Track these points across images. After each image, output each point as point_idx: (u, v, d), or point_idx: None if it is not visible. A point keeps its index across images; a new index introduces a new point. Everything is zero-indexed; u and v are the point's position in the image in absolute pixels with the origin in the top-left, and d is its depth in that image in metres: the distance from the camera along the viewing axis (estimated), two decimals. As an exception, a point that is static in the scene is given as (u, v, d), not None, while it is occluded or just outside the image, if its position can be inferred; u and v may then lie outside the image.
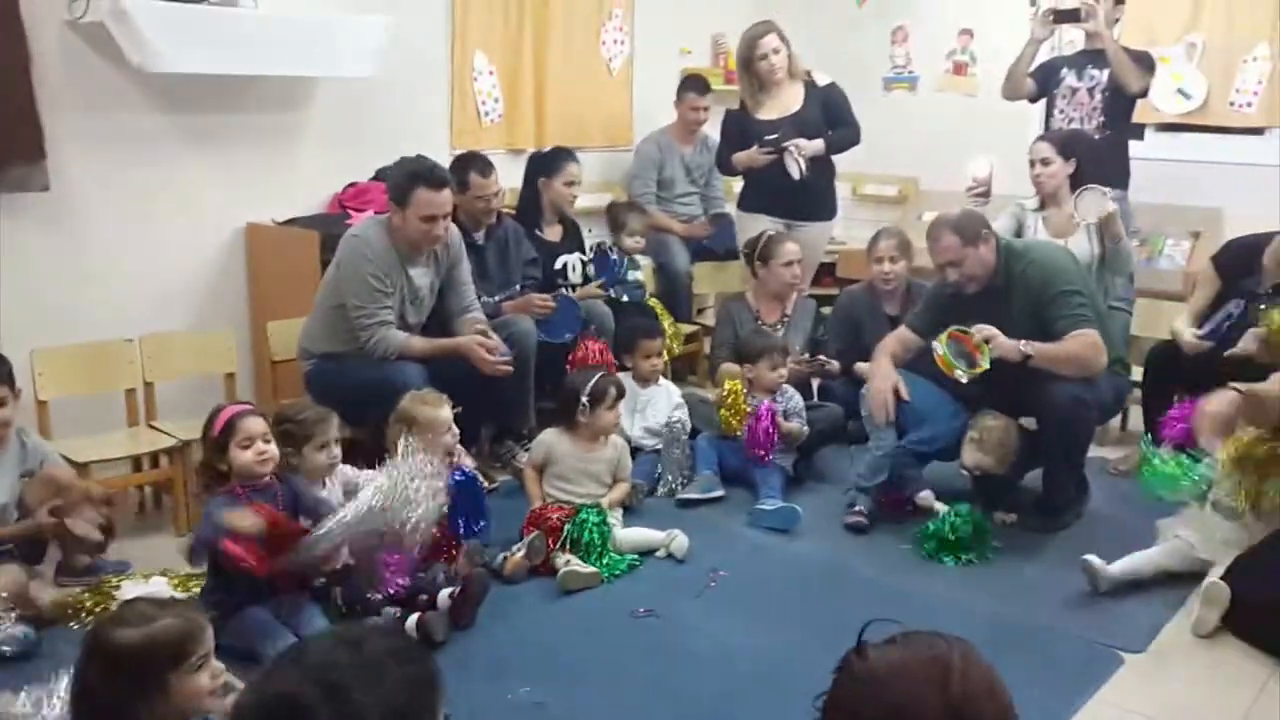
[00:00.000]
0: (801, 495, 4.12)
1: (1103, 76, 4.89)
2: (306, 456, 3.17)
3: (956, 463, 3.90)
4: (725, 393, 4.20)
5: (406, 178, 3.86)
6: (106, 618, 2.19)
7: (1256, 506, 3.26)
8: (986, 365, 3.62)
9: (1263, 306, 3.87)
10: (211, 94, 4.34)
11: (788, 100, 5.01)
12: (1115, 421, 4.70)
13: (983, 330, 3.66)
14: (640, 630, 3.14)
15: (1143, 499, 3.59)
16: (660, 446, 4.27)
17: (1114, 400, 4.03)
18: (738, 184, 5.34)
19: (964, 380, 3.65)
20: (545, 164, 4.97)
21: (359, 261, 3.86)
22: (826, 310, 4.94)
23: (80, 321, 4.00)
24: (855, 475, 3.96)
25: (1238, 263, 4.25)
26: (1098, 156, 4.70)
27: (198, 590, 3.06)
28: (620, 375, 4.12)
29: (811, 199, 5.06)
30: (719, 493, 4.11)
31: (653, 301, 5.30)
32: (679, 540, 3.60)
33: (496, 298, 4.49)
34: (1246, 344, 3.87)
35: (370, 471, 3.36)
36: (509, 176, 4.91)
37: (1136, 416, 4.57)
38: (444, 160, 4.35)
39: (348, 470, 3.33)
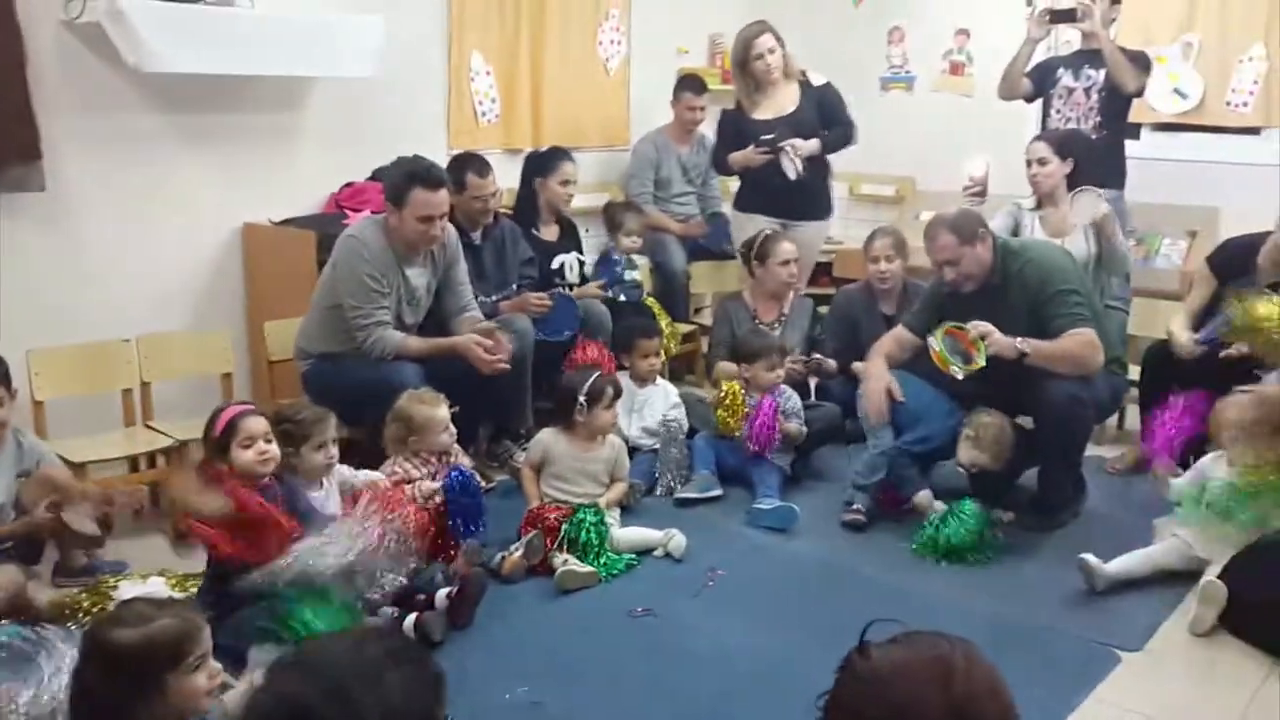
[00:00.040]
0: (799, 494, 4.12)
1: (1099, 76, 4.90)
2: (304, 456, 3.16)
3: (952, 461, 3.90)
4: (723, 393, 4.20)
5: (403, 178, 3.85)
6: (104, 618, 2.19)
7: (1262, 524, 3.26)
8: (982, 362, 3.62)
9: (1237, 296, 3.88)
10: (208, 94, 4.33)
11: (783, 100, 5.01)
12: (1112, 420, 4.70)
13: (979, 327, 3.66)
14: (638, 630, 3.14)
15: (1141, 499, 3.60)
16: (658, 446, 4.28)
17: (1111, 399, 4.03)
18: (735, 183, 5.34)
19: (959, 376, 3.65)
20: (541, 164, 4.97)
21: (355, 261, 3.86)
22: (824, 310, 4.94)
23: (77, 321, 3.99)
24: (853, 474, 3.96)
25: (1233, 262, 4.25)
26: (1094, 156, 4.71)
27: (195, 590, 3.06)
28: (618, 375, 4.12)
29: (807, 199, 5.06)
30: (717, 492, 4.11)
31: (650, 301, 5.30)
32: (677, 540, 3.60)
33: (493, 298, 4.49)
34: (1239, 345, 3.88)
35: (368, 471, 3.38)
36: (506, 176, 4.91)
37: (1133, 415, 4.58)
38: (441, 160, 4.34)
39: (345, 470, 3.32)
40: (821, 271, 5.78)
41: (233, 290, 4.57)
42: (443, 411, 3.51)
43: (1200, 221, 5.53)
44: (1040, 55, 5.20)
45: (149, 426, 3.97)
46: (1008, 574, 3.53)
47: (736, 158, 5.04)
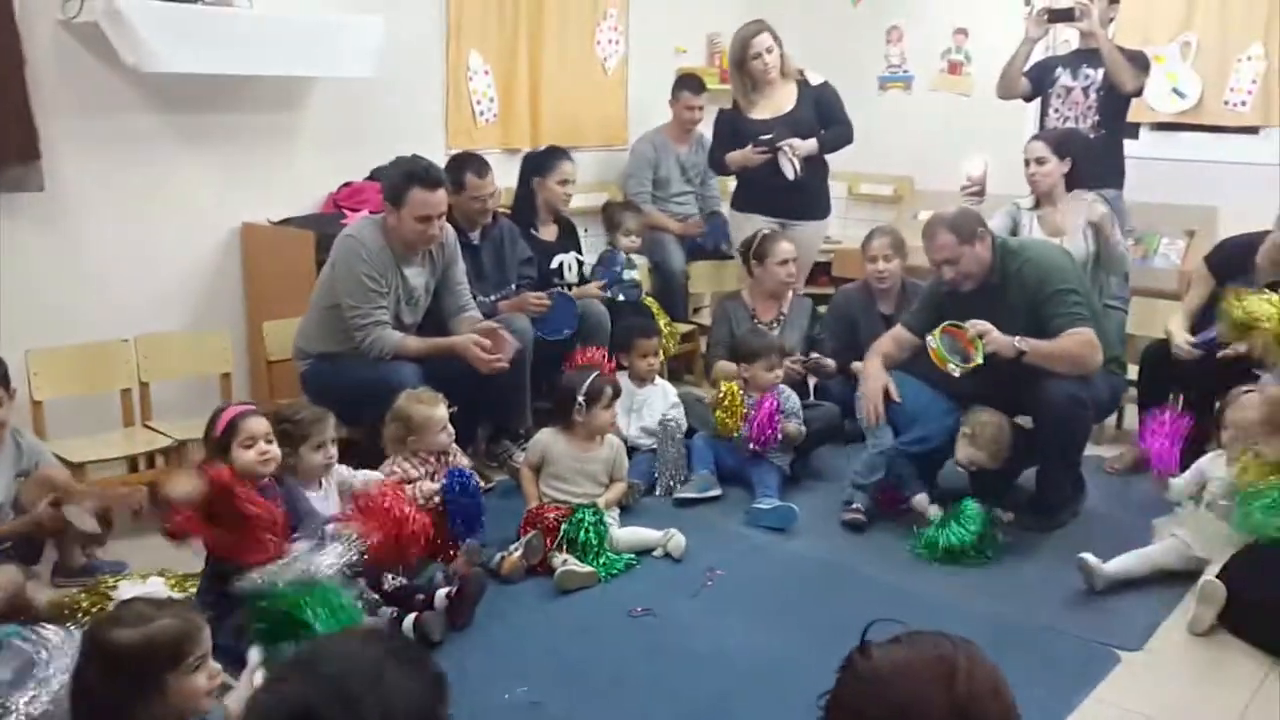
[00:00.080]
0: (798, 494, 4.12)
1: (1097, 76, 4.90)
2: (303, 456, 3.16)
3: (951, 460, 3.90)
4: (722, 393, 4.20)
5: (402, 178, 3.85)
6: (104, 618, 2.18)
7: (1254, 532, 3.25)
8: (980, 360, 3.62)
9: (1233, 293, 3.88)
10: (206, 94, 4.33)
11: (781, 100, 5.01)
12: (1111, 420, 4.70)
13: (977, 325, 3.66)
14: (637, 630, 3.14)
15: (1140, 498, 3.59)
16: (656, 446, 4.27)
17: (1110, 399, 4.03)
18: (733, 183, 5.34)
19: (957, 374, 3.65)
20: (539, 163, 4.96)
21: (354, 261, 3.86)
22: (822, 309, 4.94)
23: (76, 321, 3.99)
24: (852, 473, 3.96)
25: (1231, 262, 4.25)
26: (1092, 156, 4.71)
27: (194, 590, 3.05)
28: (616, 375, 4.12)
29: (805, 198, 5.06)
30: (716, 492, 4.11)
31: (649, 301, 5.30)
32: (676, 540, 3.60)
33: (492, 298, 4.48)
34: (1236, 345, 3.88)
35: (367, 471, 3.37)
36: (504, 176, 4.90)
37: (1132, 415, 4.58)
38: (440, 160, 4.34)
39: (343, 470, 3.32)
40: (820, 271, 5.79)
41: (231, 290, 4.57)
42: (441, 411, 3.51)
43: (1199, 221, 5.54)
44: (1039, 55, 5.20)
45: (148, 426, 3.97)
46: (1007, 574, 3.53)
47: (734, 157, 5.04)
